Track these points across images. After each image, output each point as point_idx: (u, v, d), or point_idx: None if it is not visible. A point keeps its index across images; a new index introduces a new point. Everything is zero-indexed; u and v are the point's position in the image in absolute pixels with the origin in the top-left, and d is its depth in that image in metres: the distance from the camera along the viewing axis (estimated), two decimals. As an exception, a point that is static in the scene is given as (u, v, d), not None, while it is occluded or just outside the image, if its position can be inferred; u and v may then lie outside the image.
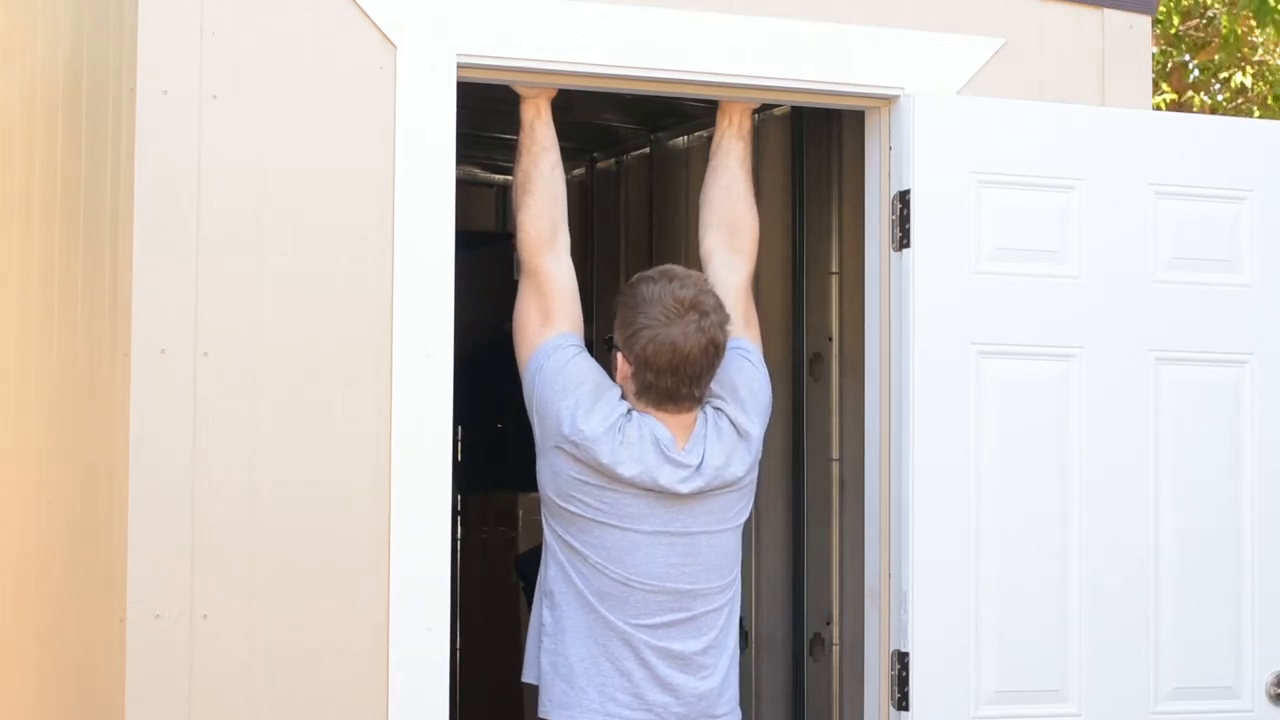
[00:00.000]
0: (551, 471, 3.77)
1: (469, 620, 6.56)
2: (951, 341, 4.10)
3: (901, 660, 4.08)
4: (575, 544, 3.77)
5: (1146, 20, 4.43)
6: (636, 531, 3.76)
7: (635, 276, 3.85)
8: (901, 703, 4.08)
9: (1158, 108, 11.33)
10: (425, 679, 3.78)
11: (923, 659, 4.06)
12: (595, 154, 6.40)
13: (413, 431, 3.79)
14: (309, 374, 3.75)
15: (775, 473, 5.31)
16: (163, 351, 3.66)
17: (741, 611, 5.27)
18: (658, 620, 3.77)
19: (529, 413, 3.84)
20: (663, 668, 3.77)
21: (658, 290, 3.76)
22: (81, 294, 4.12)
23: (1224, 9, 11.59)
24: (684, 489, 3.76)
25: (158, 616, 3.64)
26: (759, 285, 5.26)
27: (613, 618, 3.76)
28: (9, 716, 4.79)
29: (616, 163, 6.32)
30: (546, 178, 3.93)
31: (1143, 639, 4.19)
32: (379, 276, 3.79)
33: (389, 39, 3.81)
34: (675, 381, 3.75)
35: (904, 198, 4.12)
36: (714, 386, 3.86)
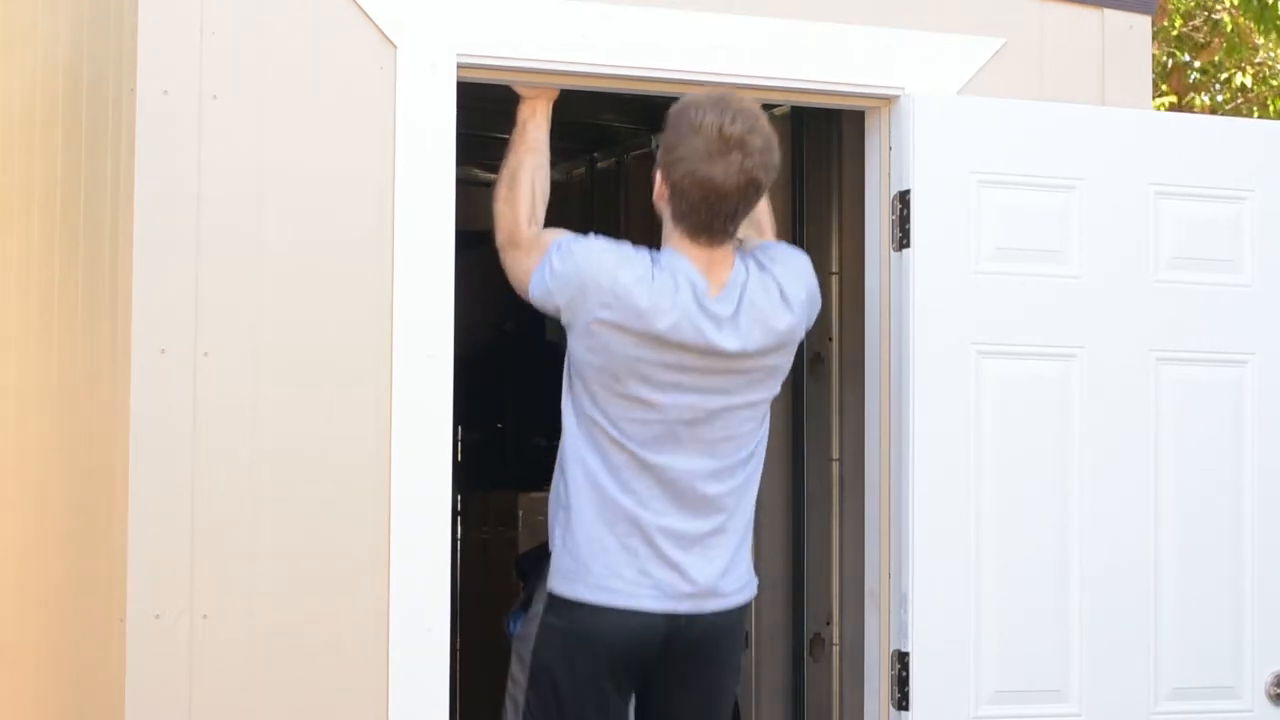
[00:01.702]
0: (584, 348, 3.73)
1: (469, 620, 6.56)
2: (951, 341, 4.10)
3: (901, 660, 4.08)
4: (595, 417, 3.75)
5: (1146, 20, 4.43)
6: (657, 407, 3.73)
7: (687, 97, 3.77)
8: (901, 703, 4.09)
9: (1158, 109, 11.33)
10: (425, 679, 3.78)
11: (923, 659, 4.06)
12: (595, 154, 6.40)
13: (413, 431, 3.79)
14: (309, 374, 3.75)
15: (775, 473, 5.31)
16: (163, 351, 3.66)
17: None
18: (668, 500, 3.77)
19: (550, 307, 3.77)
20: (669, 548, 3.76)
21: (706, 120, 3.68)
22: (81, 294, 4.12)
23: (1226, 11, 11.59)
24: (725, 344, 3.71)
25: (158, 616, 3.64)
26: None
27: (622, 497, 3.75)
28: (9, 716, 4.79)
29: (616, 163, 6.32)
30: (529, 176, 3.92)
31: (1143, 639, 4.19)
32: (379, 277, 3.79)
33: (389, 39, 3.82)
34: (709, 216, 3.71)
35: (904, 198, 4.12)
36: (765, 254, 3.85)
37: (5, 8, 5.07)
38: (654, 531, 3.76)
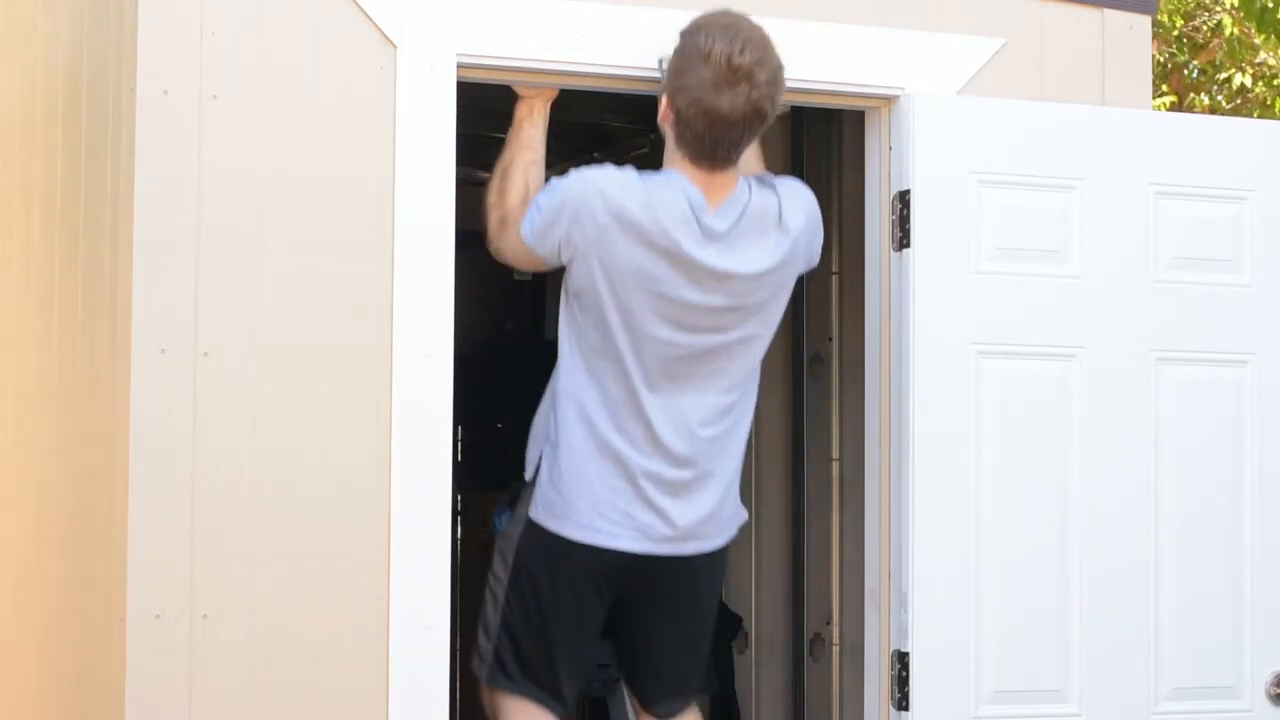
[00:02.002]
0: (584, 272, 3.75)
1: (469, 620, 6.55)
2: (951, 341, 4.10)
3: (901, 660, 4.08)
4: (595, 345, 3.78)
5: (1146, 20, 4.43)
6: (652, 336, 3.76)
7: (699, 19, 3.77)
8: (901, 703, 4.08)
9: (1158, 109, 11.32)
10: (425, 679, 3.78)
11: (923, 659, 4.06)
12: (595, 154, 6.39)
13: (413, 431, 3.79)
14: (309, 374, 3.75)
15: (775, 473, 5.31)
16: (163, 351, 3.66)
17: (741, 611, 5.28)
18: (657, 441, 3.79)
19: (546, 245, 3.78)
20: (654, 491, 3.80)
21: (716, 49, 3.69)
22: (81, 294, 4.12)
23: (1226, 13, 11.59)
24: (717, 263, 3.74)
25: (158, 616, 3.64)
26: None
27: (614, 437, 3.78)
28: (9, 716, 4.79)
29: (617, 163, 6.31)
30: (521, 173, 3.93)
31: (1143, 639, 4.19)
32: (379, 277, 3.79)
33: (389, 39, 3.81)
34: (713, 145, 3.74)
35: (904, 198, 4.12)
36: (767, 178, 3.88)
37: (5, 8, 5.07)
38: (640, 474, 3.79)
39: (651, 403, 3.79)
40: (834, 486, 5.11)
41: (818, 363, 5.19)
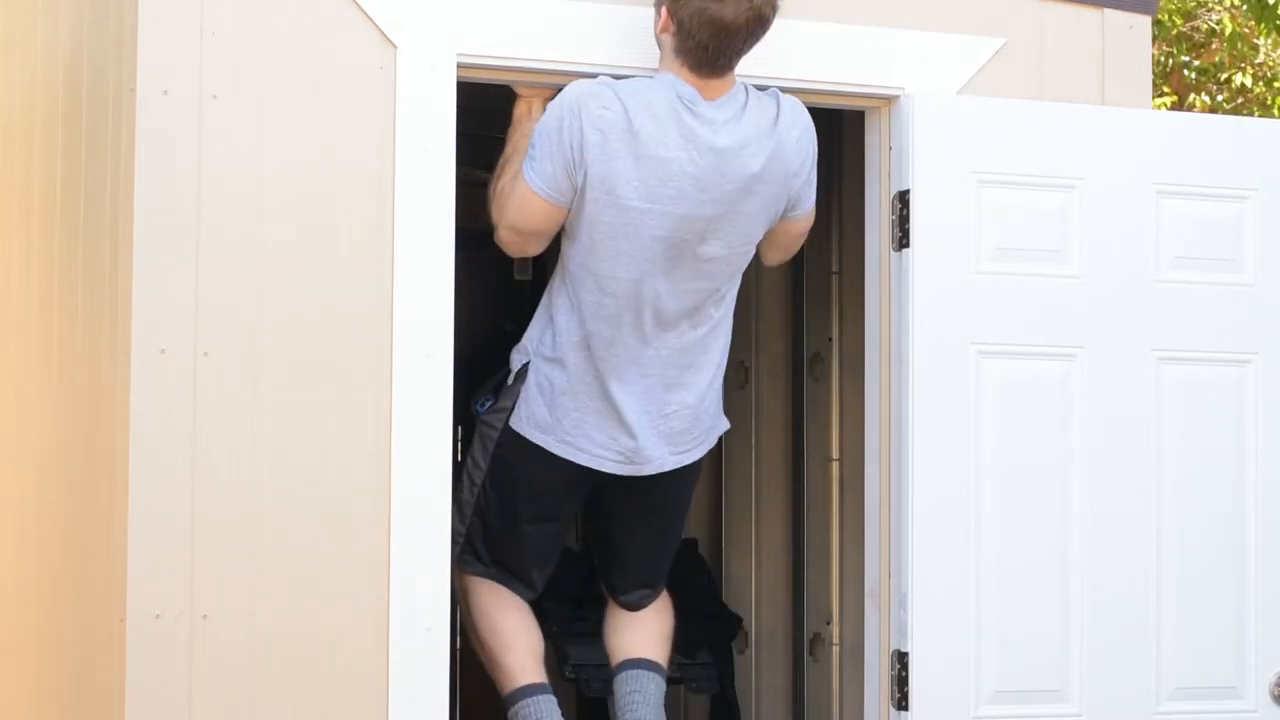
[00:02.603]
0: (580, 190, 3.81)
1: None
2: (951, 341, 4.10)
3: (901, 660, 4.08)
4: (585, 270, 3.86)
5: (1146, 20, 4.42)
6: (645, 258, 3.83)
7: None
8: (901, 703, 4.08)
9: (1158, 109, 11.32)
10: (425, 679, 3.78)
11: (923, 659, 4.06)
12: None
13: (413, 431, 3.78)
14: (309, 374, 3.74)
15: (775, 473, 5.30)
16: (163, 351, 3.66)
17: (741, 611, 5.28)
18: (638, 361, 3.89)
19: (553, 184, 3.84)
20: (634, 417, 3.90)
21: None
22: (81, 294, 4.12)
23: (1226, 13, 11.59)
24: (716, 140, 3.80)
25: (158, 616, 3.64)
26: (759, 285, 5.27)
27: (601, 357, 3.88)
28: (9, 716, 4.79)
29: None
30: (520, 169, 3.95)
31: (1144, 639, 4.19)
32: (379, 277, 3.79)
33: (389, 39, 3.81)
34: (715, 54, 3.80)
35: (904, 198, 4.12)
36: (770, 93, 3.94)
37: (5, 8, 5.06)
38: (622, 401, 3.89)
39: (629, 329, 3.89)
40: (834, 486, 5.11)
41: (818, 363, 5.18)
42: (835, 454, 5.12)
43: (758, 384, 5.37)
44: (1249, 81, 12.21)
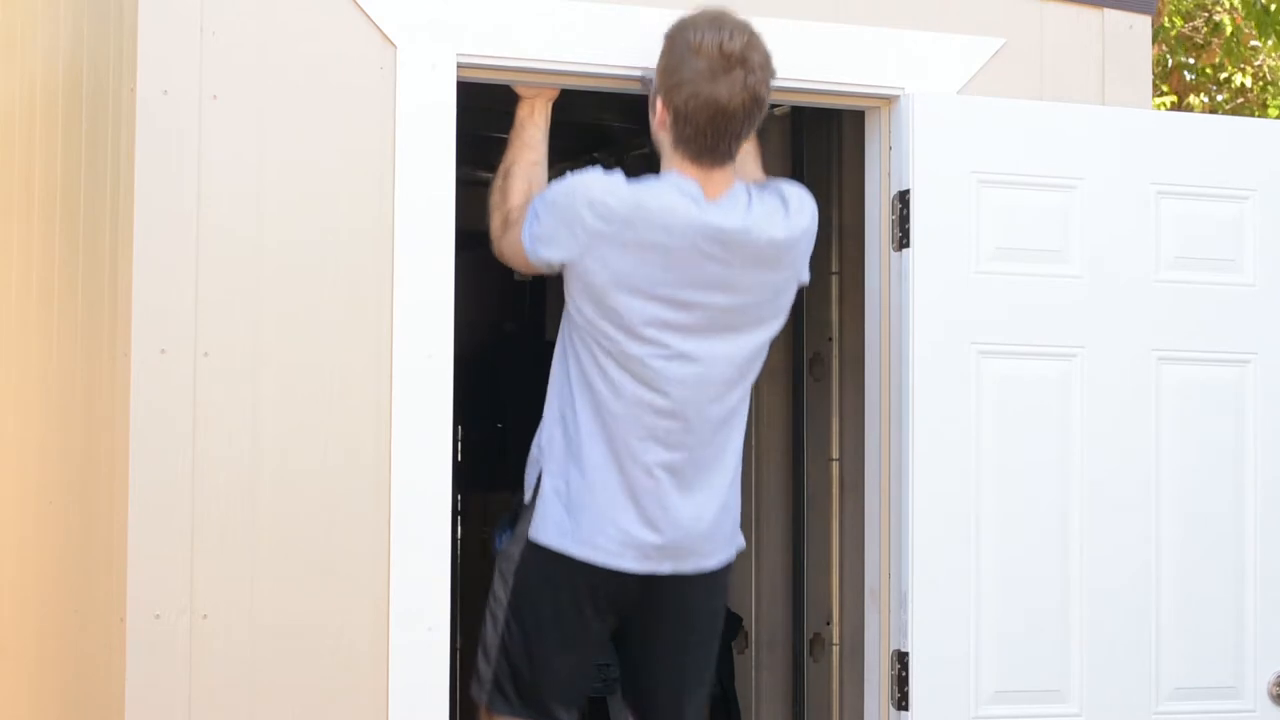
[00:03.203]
0: (582, 278, 3.71)
1: (469, 620, 6.55)
2: (951, 341, 4.10)
3: (901, 660, 4.08)
4: (589, 356, 3.75)
5: (1146, 20, 4.43)
6: (657, 345, 3.73)
7: (682, 20, 3.77)
8: (901, 703, 4.08)
9: (1158, 109, 11.32)
10: (425, 679, 3.78)
11: (923, 659, 4.06)
12: (595, 154, 6.39)
13: (413, 431, 3.79)
14: (309, 374, 3.75)
15: (775, 473, 5.31)
16: (163, 351, 3.66)
17: (741, 611, 5.28)
18: (657, 455, 3.76)
19: (543, 250, 3.76)
20: (655, 511, 3.77)
21: (705, 40, 3.69)
22: (81, 294, 4.12)
23: (1226, 14, 11.59)
24: (722, 221, 3.70)
25: (158, 616, 3.64)
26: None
27: (611, 449, 3.75)
28: (9, 716, 4.79)
29: (617, 162, 6.32)
30: (524, 172, 3.93)
31: (1144, 639, 4.19)
32: (379, 277, 3.79)
33: (389, 39, 3.81)
34: (715, 138, 3.72)
35: (904, 198, 4.12)
36: (767, 182, 3.87)
37: (5, 8, 5.07)
38: (644, 493, 3.77)
39: (649, 416, 3.76)
40: (834, 486, 5.12)
41: (818, 363, 5.19)
42: (835, 454, 5.12)
43: (758, 384, 5.36)
44: (1249, 81, 12.21)
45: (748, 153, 4.07)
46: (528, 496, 3.84)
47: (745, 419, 3.90)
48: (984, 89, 4.23)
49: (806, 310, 5.22)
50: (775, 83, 4.09)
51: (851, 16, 4.16)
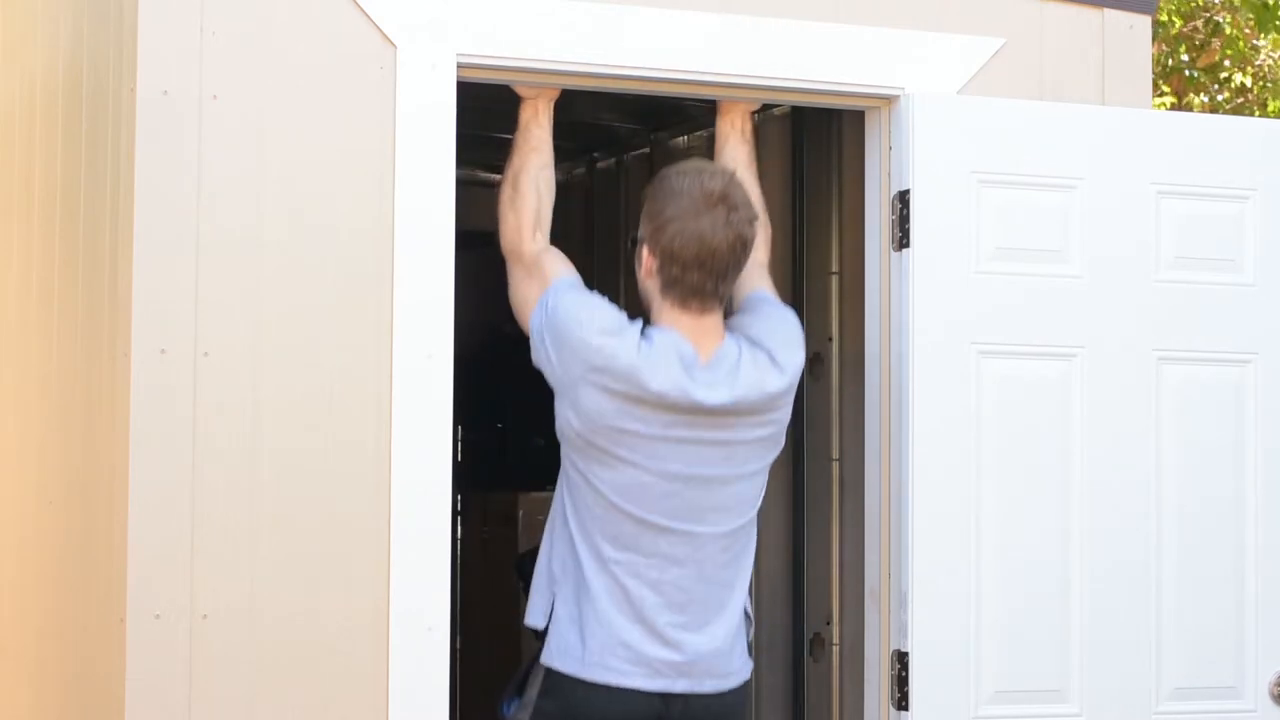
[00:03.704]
0: (574, 410, 3.70)
1: (469, 620, 6.56)
2: (951, 341, 4.10)
3: (901, 660, 4.08)
4: (595, 481, 3.71)
5: (1146, 20, 4.43)
6: (658, 473, 3.70)
7: (664, 170, 3.81)
8: (901, 703, 4.08)
9: (1158, 109, 11.32)
10: (425, 679, 3.78)
11: (923, 659, 4.06)
12: (595, 154, 6.39)
13: (413, 431, 3.79)
14: (309, 374, 3.75)
15: (775, 473, 5.29)
16: (163, 351, 3.66)
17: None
18: (667, 574, 3.74)
19: (541, 358, 3.77)
20: (669, 629, 3.73)
21: (687, 183, 3.72)
22: (81, 294, 4.12)
23: (1227, 13, 11.59)
24: (710, 399, 3.68)
25: (158, 616, 3.64)
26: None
27: (620, 571, 3.72)
28: (9, 716, 4.79)
29: (616, 163, 6.32)
30: (534, 177, 3.93)
31: (1144, 639, 4.19)
32: (379, 277, 3.79)
33: (389, 39, 3.81)
34: (701, 277, 3.71)
35: (904, 198, 4.12)
36: (746, 331, 3.83)
37: (5, 8, 5.07)
38: (654, 612, 3.73)
39: (658, 534, 3.74)
40: (834, 486, 5.11)
41: (818, 363, 5.18)
42: (835, 454, 5.12)
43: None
44: (1249, 81, 12.21)
45: (742, 161, 4.08)
46: (541, 622, 3.80)
47: (754, 538, 3.88)
48: (984, 89, 4.23)
49: (807, 310, 5.21)
50: (775, 83, 4.10)
51: (852, 16, 4.16)
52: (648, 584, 3.73)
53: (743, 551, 3.85)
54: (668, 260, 3.71)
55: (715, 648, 3.78)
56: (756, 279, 3.98)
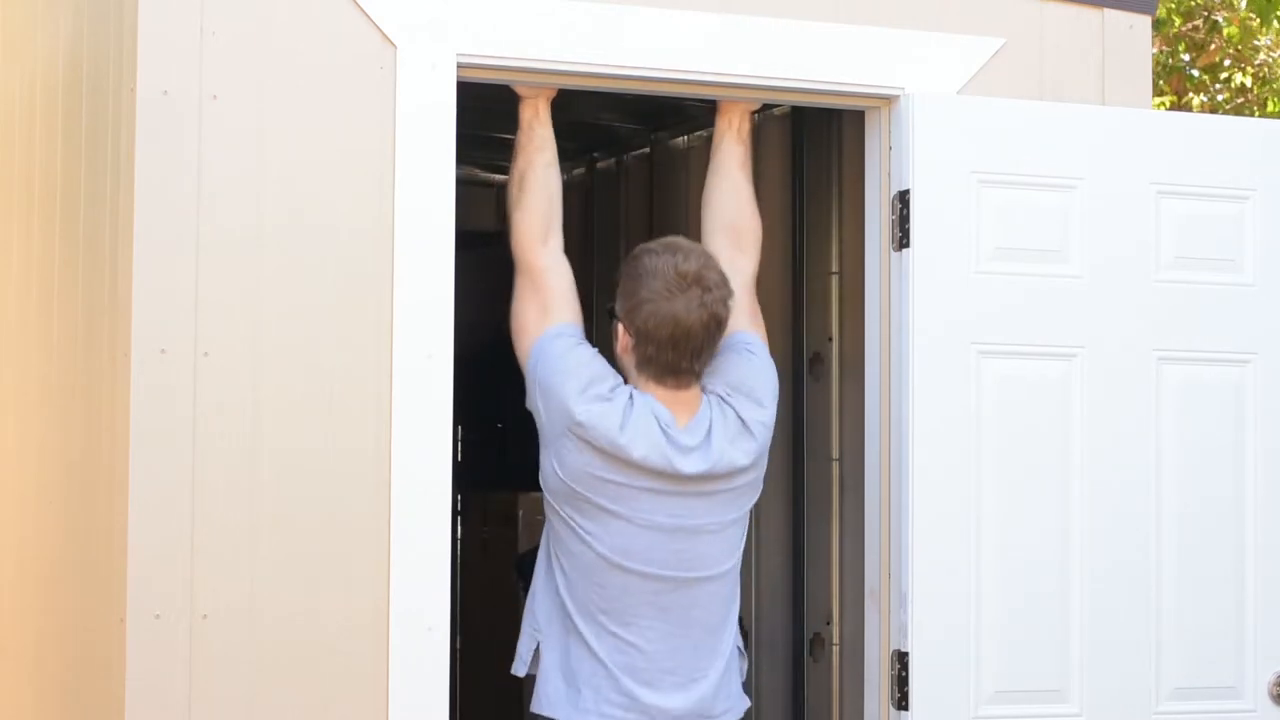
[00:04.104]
0: (558, 461, 3.74)
1: (469, 620, 6.56)
2: (951, 341, 4.10)
3: (901, 660, 4.08)
4: (580, 532, 3.74)
5: (1146, 20, 4.43)
6: (643, 524, 3.73)
7: (639, 248, 3.85)
8: (901, 703, 4.08)
9: (1158, 109, 11.32)
10: (425, 679, 3.78)
11: (923, 659, 4.06)
12: (595, 154, 6.39)
13: (413, 431, 3.79)
14: (309, 374, 3.75)
15: (775, 473, 5.29)
16: (163, 351, 3.66)
17: (741, 611, 5.28)
18: (656, 622, 3.76)
19: (531, 404, 3.83)
20: (659, 678, 3.76)
21: (661, 263, 3.75)
22: (81, 294, 4.12)
23: (1227, 12, 11.59)
24: (688, 468, 3.73)
25: (158, 616, 3.64)
26: (759, 285, 5.26)
27: (609, 620, 3.75)
28: (9, 716, 4.79)
29: (616, 163, 6.32)
30: (541, 176, 3.94)
31: (1144, 639, 4.19)
32: (379, 277, 3.79)
33: (389, 39, 3.81)
34: (676, 356, 3.75)
35: (904, 198, 4.12)
36: (718, 381, 3.85)
37: (5, 8, 5.07)
38: (645, 660, 3.75)
39: (640, 590, 3.75)
40: (834, 486, 5.11)
41: (818, 363, 5.18)
42: (835, 454, 5.12)
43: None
44: (1249, 81, 12.20)
45: (734, 161, 4.08)
46: (523, 670, 3.83)
47: (739, 578, 3.90)
48: (984, 89, 4.23)
49: (807, 310, 5.21)
50: (775, 83, 4.10)
51: (852, 16, 4.16)
52: (637, 631, 3.76)
53: (730, 595, 3.88)
54: (643, 339, 3.76)
55: (703, 694, 3.80)
56: (739, 318, 3.96)
